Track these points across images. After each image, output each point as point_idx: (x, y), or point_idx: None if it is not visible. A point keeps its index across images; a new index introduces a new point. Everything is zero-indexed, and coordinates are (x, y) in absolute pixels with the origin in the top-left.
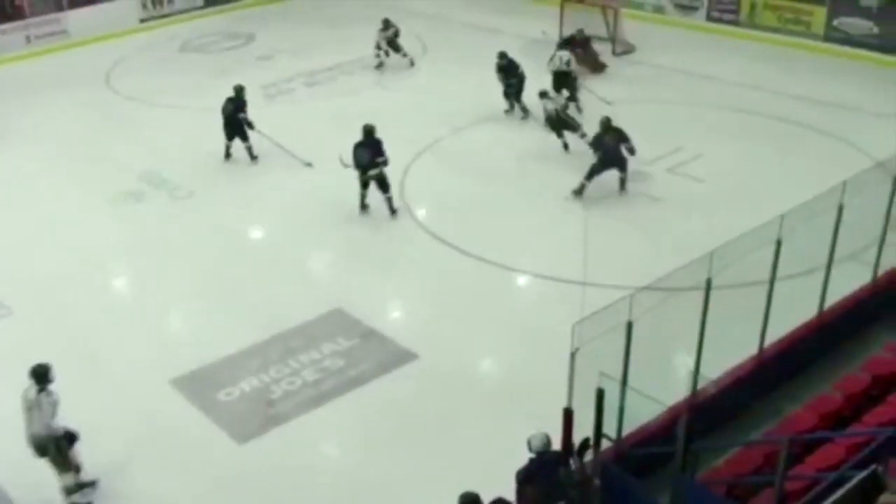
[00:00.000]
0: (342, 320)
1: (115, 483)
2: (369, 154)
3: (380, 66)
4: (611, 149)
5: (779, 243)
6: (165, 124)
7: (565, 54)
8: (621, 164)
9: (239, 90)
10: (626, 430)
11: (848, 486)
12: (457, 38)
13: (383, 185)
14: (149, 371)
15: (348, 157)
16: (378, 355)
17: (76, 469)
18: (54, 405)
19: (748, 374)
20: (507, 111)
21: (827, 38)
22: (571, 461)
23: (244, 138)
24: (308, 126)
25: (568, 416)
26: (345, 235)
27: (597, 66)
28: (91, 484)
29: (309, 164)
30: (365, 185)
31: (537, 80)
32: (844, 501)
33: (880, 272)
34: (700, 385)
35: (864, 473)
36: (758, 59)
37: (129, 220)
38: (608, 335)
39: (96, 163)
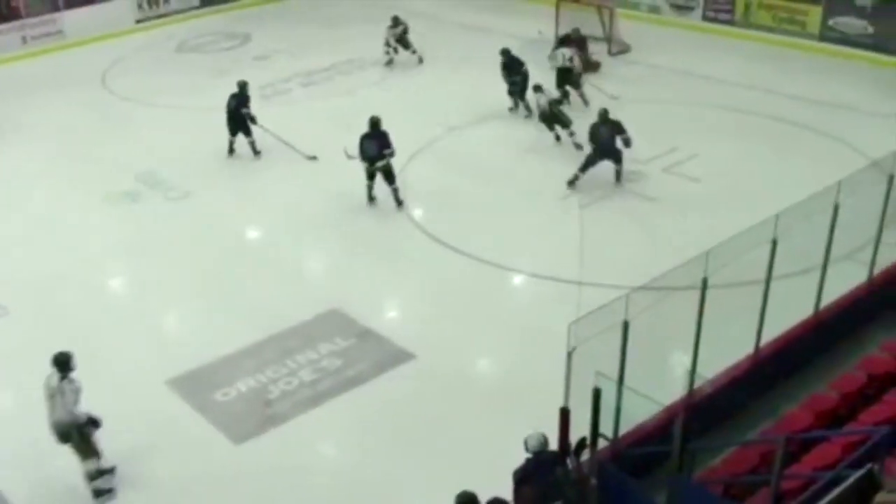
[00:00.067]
0: (339, 320)
1: (112, 483)
2: (377, 146)
3: (389, 62)
4: (605, 140)
5: (774, 243)
6: (162, 124)
7: (568, 51)
8: (615, 156)
9: (242, 86)
10: (623, 430)
11: (844, 485)
12: (452, 38)
13: (389, 177)
14: (146, 371)
15: (353, 149)
16: (375, 355)
17: (98, 455)
18: (77, 392)
19: (744, 374)
20: (511, 109)
21: (822, 38)
22: (568, 461)
23: (247, 133)
24: (305, 126)
25: (564, 415)
26: (342, 235)
27: (589, 66)
28: (110, 470)
29: (313, 158)
30: (371, 177)
31: (537, 78)
32: (841, 500)
33: (876, 271)
34: (696, 384)
35: (860, 472)
36: (753, 59)
37: (125, 221)
38: (605, 335)
39: (93, 163)
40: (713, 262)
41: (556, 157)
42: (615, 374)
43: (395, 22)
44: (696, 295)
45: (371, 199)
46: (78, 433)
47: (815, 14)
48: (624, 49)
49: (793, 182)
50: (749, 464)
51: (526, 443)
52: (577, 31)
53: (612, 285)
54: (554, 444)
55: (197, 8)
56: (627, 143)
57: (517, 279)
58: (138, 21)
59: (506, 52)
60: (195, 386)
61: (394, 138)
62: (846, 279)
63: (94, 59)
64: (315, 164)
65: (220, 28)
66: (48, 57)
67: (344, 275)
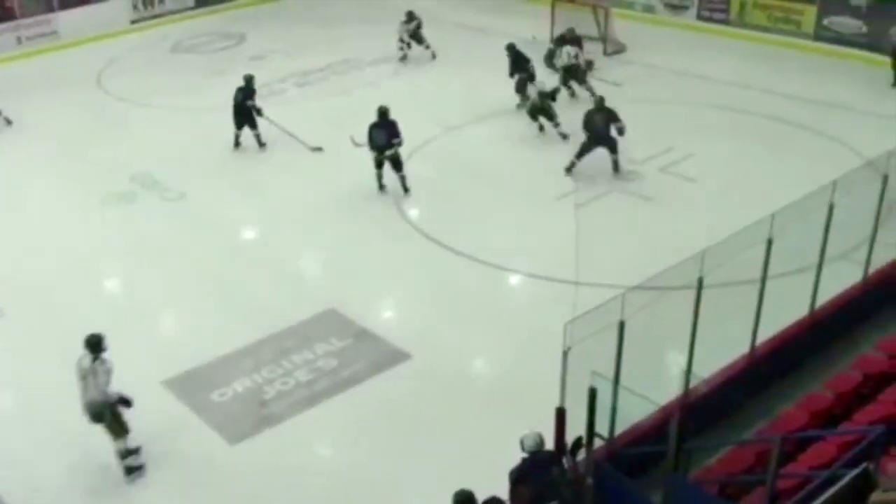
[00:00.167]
0: (335, 320)
1: (109, 484)
2: (385, 135)
3: (403, 58)
4: (599, 128)
5: (770, 242)
6: (158, 125)
7: (571, 49)
8: (610, 144)
9: (249, 79)
10: (619, 430)
11: (839, 484)
12: (449, 38)
13: (397, 165)
14: (142, 371)
15: (361, 138)
16: (371, 355)
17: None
18: (108, 372)
19: (740, 373)
20: (518, 105)
21: (817, 38)
22: (564, 460)
23: (253, 126)
24: (301, 126)
25: (560, 415)
26: (339, 235)
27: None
28: (137, 450)
29: (318, 149)
30: (380, 165)
31: (538, 77)
32: (836, 500)
33: (871, 271)
34: (692, 384)
35: (855, 471)
36: (748, 59)
37: (121, 221)
38: (600, 334)
39: (88, 164)
40: (709, 262)
41: (553, 157)
42: (611, 374)
43: (410, 17)
44: (692, 294)
45: (381, 187)
46: (110, 413)
47: (809, 14)
48: (619, 49)
49: (788, 181)
50: (745, 463)
51: (522, 442)
52: (571, 30)
53: (609, 285)
54: (550, 444)
55: (192, 8)
56: (621, 131)
57: (513, 279)
58: (133, 21)
59: (511, 48)
60: (191, 386)
61: None
62: (841, 278)
63: (89, 59)
64: (314, 165)
65: (216, 28)
66: (43, 57)
67: (340, 274)
